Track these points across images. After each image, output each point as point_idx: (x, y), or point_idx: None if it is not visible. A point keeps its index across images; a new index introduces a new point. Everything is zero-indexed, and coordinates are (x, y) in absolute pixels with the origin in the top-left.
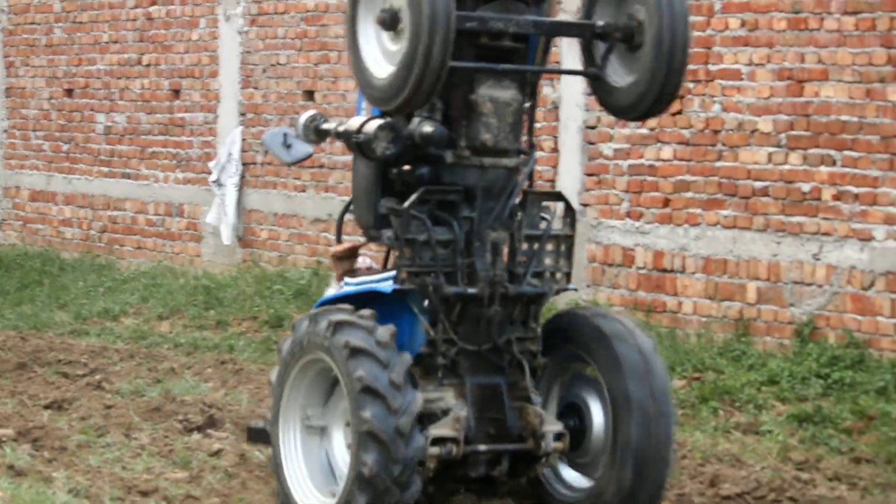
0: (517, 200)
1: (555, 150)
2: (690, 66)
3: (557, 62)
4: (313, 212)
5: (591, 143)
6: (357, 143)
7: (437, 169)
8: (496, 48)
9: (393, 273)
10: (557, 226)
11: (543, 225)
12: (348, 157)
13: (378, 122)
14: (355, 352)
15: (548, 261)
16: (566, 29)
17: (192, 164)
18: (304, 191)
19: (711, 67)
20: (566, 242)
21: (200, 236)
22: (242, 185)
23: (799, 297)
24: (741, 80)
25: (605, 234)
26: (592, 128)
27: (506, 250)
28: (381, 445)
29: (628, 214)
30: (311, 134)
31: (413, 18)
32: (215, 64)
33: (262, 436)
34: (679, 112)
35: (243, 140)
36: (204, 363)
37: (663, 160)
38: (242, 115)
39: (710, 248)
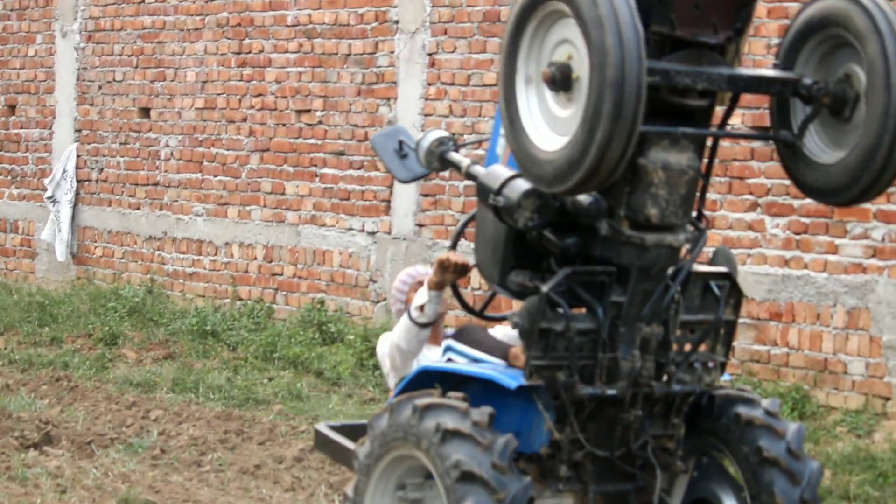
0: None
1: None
2: None
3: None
4: (147, 230)
5: None
6: (495, 206)
7: (586, 241)
8: (677, 105)
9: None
10: (717, 310)
11: (704, 311)
12: (185, 176)
13: (524, 185)
14: (449, 434)
15: (702, 348)
16: (766, 85)
17: (27, 181)
18: (138, 208)
19: None
20: (727, 328)
21: (35, 253)
22: (77, 201)
23: None
24: None
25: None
26: None
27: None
28: None
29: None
30: (434, 161)
31: (595, 72)
32: (51, 80)
33: (328, 445)
34: None
35: (78, 156)
36: (39, 380)
37: None
38: (78, 131)
39: None
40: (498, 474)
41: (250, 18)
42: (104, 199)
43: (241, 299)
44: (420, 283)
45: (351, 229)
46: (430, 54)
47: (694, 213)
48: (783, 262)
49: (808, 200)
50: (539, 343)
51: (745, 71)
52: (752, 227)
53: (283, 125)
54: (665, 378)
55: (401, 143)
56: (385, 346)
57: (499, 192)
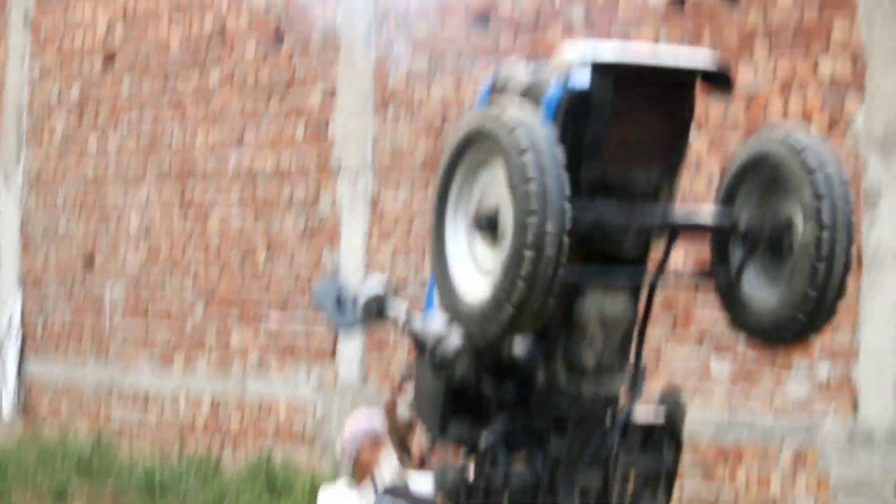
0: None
1: None
2: None
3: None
4: (94, 381)
5: None
6: (431, 361)
7: (523, 388)
8: (611, 250)
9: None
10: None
11: (645, 458)
12: (130, 325)
13: (458, 340)
14: None
15: (644, 500)
16: (700, 226)
17: None
18: (84, 360)
19: None
20: (668, 475)
21: None
22: (23, 353)
23: None
24: None
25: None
26: None
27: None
28: None
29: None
30: (372, 314)
31: (517, 217)
32: None
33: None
34: None
35: (23, 306)
36: None
37: None
38: (22, 280)
39: None
40: None
41: (192, 165)
42: (50, 350)
43: (187, 453)
44: (373, 443)
45: (297, 378)
46: (372, 198)
47: (633, 358)
48: (728, 402)
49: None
50: (477, 499)
51: (680, 213)
52: (697, 365)
53: (227, 272)
54: None
55: (340, 292)
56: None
57: (433, 349)
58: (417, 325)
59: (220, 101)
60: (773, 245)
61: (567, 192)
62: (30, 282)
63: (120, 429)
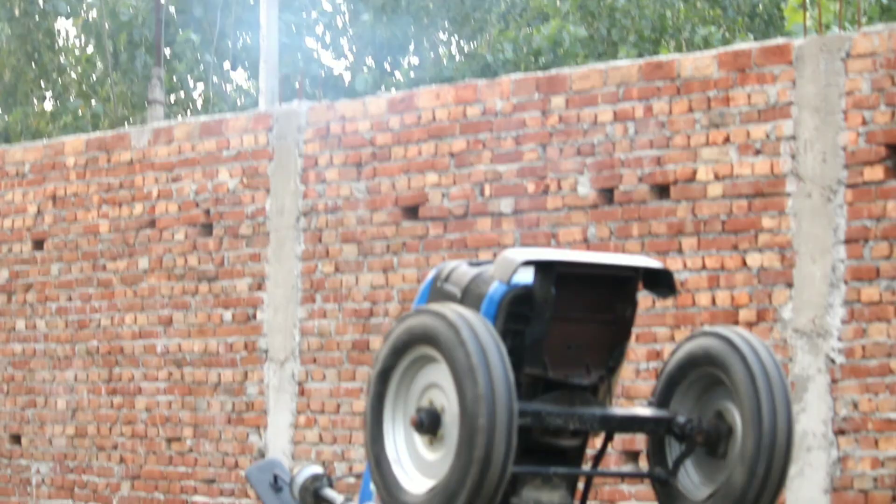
0: None
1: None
2: None
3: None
4: None
5: None
6: None
7: None
8: (549, 444)
9: None
10: None
11: None
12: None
13: None
14: None
15: None
16: (639, 424)
17: None
18: None
19: None
20: None
21: None
22: None
23: None
24: None
25: None
26: None
27: None
28: None
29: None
30: (308, 497)
31: (464, 418)
32: None
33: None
34: None
35: None
36: None
37: None
38: None
39: None
40: None
41: (120, 346)
42: None
43: None
44: None
45: None
46: (299, 383)
47: None
48: None
49: None
50: None
51: (618, 411)
52: None
53: (154, 453)
54: None
55: (275, 476)
56: None
57: None
58: None
59: (149, 286)
60: (709, 443)
61: (514, 390)
62: None
63: None
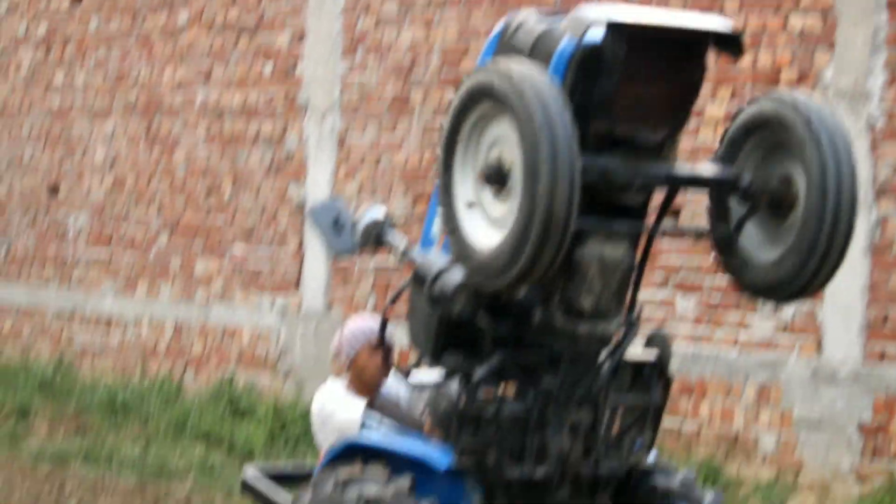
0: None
1: (300, 248)
2: None
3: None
4: (56, 305)
5: None
6: (430, 294)
7: (519, 325)
8: (613, 201)
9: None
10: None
11: (633, 395)
12: (94, 253)
13: (457, 277)
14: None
15: (631, 436)
16: (704, 183)
17: None
18: (47, 285)
19: None
20: (655, 412)
21: None
22: None
23: None
24: None
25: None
26: None
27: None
28: None
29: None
30: (370, 240)
31: (528, 172)
32: None
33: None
34: None
35: None
36: None
37: None
38: None
39: None
40: None
41: (159, 99)
42: (13, 275)
43: (149, 375)
44: (371, 346)
45: (260, 306)
46: (339, 136)
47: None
48: (693, 338)
49: (718, 278)
50: (468, 428)
51: (684, 168)
52: (663, 304)
53: (192, 204)
54: (593, 460)
55: (337, 216)
56: (321, 404)
57: (433, 282)
58: (417, 256)
59: (188, 40)
60: (773, 205)
61: (576, 145)
62: None
63: (82, 351)
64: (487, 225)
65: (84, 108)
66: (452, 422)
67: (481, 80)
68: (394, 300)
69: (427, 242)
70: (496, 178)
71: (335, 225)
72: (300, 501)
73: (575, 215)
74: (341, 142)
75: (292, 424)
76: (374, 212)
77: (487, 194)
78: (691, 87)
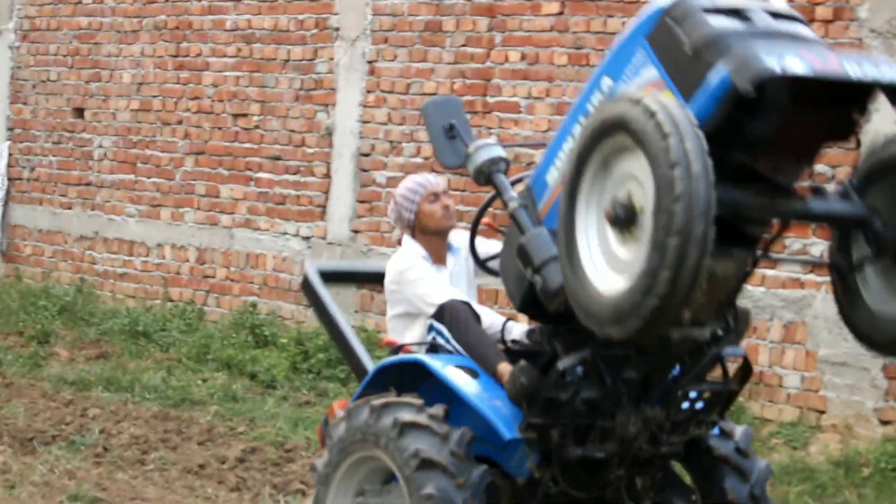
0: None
1: (327, 175)
2: (468, 97)
3: None
4: (78, 229)
5: (365, 171)
6: (531, 280)
7: None
8: (737, 228)
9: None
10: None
11: (710, 384)
12: (118, 176)
13: (561, 278)
14: (406, 427)
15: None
16: (836, 220)
17: None
18: (70, 208)
19: (490, 100)
20: (729, 396)
21: None
22: (8, 200)
23: None
24: (519, 113)
25: (375, 260)
26: (366, 155)
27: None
28: None
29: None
30: (480, 175)
31: (661, 214)
32: None
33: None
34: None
35: (10, 155)
36: None
37: None
38: (10, 129)
39: None
40: (456, 461)
41: (188, 22)
42: (35, 197)
43: (171, 300)
44: (433, 194)
45: (285, 234)
46: (369, 62)
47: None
48: None
49: None
50: (542, 406)
51: (816, 205)
52: None
53: (219, 129)
54: (656, 441)
55: (452, 124)
56: (394, 275)
57: (537, 270)
58: (525, 222)
59: None
60: None
61: (712, 177)
62: (18, 132)
63: (103, 276)
64: (611, 270)
65: (112, 29)
66: (528, 398)
67: (618, 112)
68: (480, 214)
69: (540, 185)
70: (624, 218)
71: (448, 131)
72: (334, 433)
73: (705, 273)
74: (371, 68)
75: (315, 354)
76: (493, 149)
77: (611, 235)
78: (848, 129)
